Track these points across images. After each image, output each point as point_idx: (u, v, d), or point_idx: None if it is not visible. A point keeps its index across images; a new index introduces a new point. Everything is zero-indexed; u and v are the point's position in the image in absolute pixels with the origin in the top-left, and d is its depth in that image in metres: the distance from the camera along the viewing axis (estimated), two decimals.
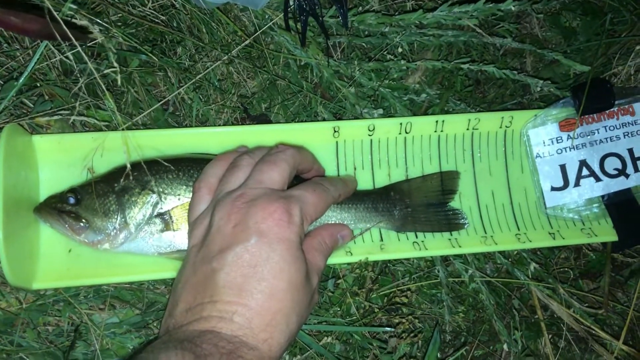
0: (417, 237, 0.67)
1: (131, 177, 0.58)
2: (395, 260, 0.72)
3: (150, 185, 0.60)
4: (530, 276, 0.73)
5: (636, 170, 0.70)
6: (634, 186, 0.70)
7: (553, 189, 0.70)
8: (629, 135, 0.71)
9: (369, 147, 0.69)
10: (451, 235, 0.67)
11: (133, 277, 0.61)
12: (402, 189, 0.66)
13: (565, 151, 0.70)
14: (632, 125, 0.71)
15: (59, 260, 0.61)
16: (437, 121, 0.68)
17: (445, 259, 0.72)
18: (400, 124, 0.68)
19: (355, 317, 0.67)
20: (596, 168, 0.70)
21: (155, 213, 0.60)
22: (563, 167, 0.70)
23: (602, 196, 0.70)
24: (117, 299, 0.64)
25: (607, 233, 0.70)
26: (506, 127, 0.71)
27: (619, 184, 0.70)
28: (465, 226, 0.67)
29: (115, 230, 0.59)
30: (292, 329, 0.47)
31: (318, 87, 0.73)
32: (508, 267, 0.72)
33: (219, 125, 0.71)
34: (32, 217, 0.59)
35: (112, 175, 0.61)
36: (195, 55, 0.70)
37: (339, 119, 0.72)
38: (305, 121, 0.72)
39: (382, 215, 0.64)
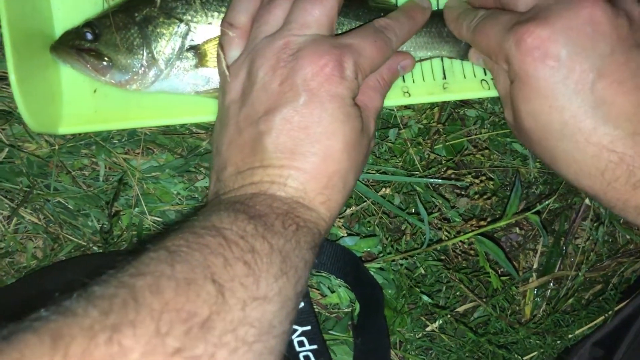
0: (485, 73, 0.58)
1: (152, 4, 0.50)
2: (464, 103, 0.63)
3: (176, 12, 0.51)
4: None
5: None
6: None
7: None
8: None
9: None
10: None
11: (169, 120, 0.56)
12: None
13: None
14: None
15: (84, 102, 0.55)
16: None
17: None
18: None
19: (416, 168, 0.60)
20: None
21: (186, 46, 0.53)
22: None
23: None
24: (154, 144, 0.59)
25: None
26: None
27: None
28: None
29: (142, 68, 0.52)
30: (350, 186, 0.44)
31: None
32: None
33: None
34: (49, 56, 0.52)
35: (131, 4, 0.53)
36: None
37: None
38: None
39: (446, 42, 0.55)
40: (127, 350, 0.27)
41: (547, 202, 0.62)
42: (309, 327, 0.57)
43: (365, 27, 0.48)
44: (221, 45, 0.49)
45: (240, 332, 0.32)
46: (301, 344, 0.57)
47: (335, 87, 0.42)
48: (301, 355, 0.57)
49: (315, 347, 0.57)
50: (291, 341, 0.57)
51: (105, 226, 0.57)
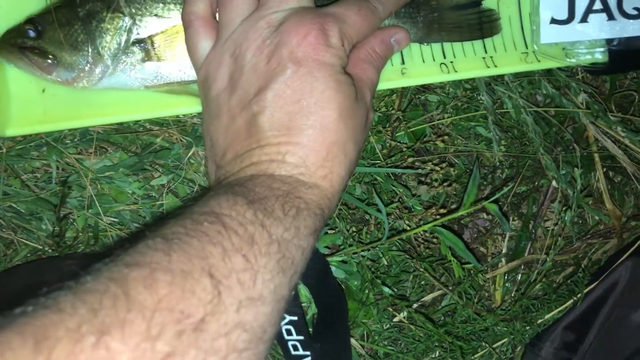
0: (444, 56, 0.56)
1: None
2: (425, 88, 0.62)
3: (119, 6, 0.50)
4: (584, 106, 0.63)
5: None
6: None
7: (554, 21, 0.56)
8: None
9: None
10: (485, 52, 0.56)
11: (121, 117, 0.54)
12: None
13: None
14: None
15: (32, 102, 0.53)
16: None
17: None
18: None
19: (377, 157, 0.59)
20: (613, 2, 0.55)
21: (132, 40, 0.51)
22: None
23: (611, 40, 0.55)
24: (108, 142, 0.58)
25: None
26: None
27: (637, 28, 0.55)
28: (500, 29, 0.56)
29: (88, 65, 0.51)
30: (352, 157, 0.43)
31: None
32: (555, 98, 0.62)
33: None
34: None
35: None
36: None
37: None
38: None
39: (403, 23, 0.54)
40: (114, 354, 0.26)
41: (504, 190, 0.60)
42: (295, 318, 0.56)
43: None
44: (189, 38, 0.47)
45: (232, 337, 0.30)
46: (289, 332, 0.56)
47: (322, 56, 0.41)
48: (289, 344, 0.56)
49: (302, 337, 0.56)
50: (280, 328, 0.56)
51: (57, 230, 0.55)
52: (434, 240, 0.61)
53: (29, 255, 0.57)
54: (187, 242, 0.32)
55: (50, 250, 0.57)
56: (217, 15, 0.48)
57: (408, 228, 0.58)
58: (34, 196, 0.55)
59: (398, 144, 0.60)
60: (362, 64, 0.46)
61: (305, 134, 0.40)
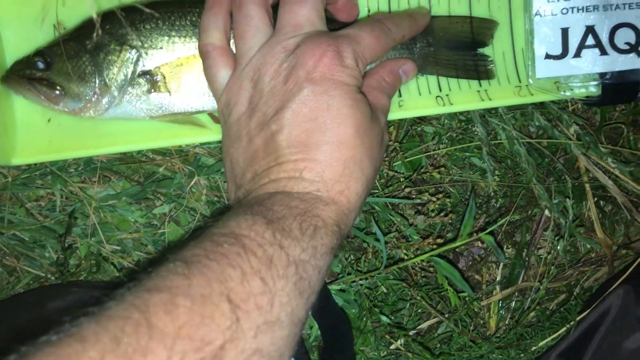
0: (440, 89, 0.58)
1: (102, 32, 0.50)
2: (421, 119, 0.64)
3: (127, 39, 0.51)
4: (575, 138, 0.65)
5: None
6: None
7: (548, 56, 0.58)
8: None
9: None
10: (480, 85, 0.58)
11: (125, 147, 0.55)
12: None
13: (572, 12, 0.57)
14: None
15: (38, 131, 0.54)
16: None
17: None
18: None
19: (375, 186, 0.61)
20: (604, 38, 0.57)
21: (138, 72, 0.52)
22: (565, 32, 0.57)
23: (604, 73, 0.58)
24: (111, 171, 0.59)
25: None
26: None
27: (628, 62, 0.57)
28: (495, 75, 0.58)
29: (95, 96, 0.52)
30: (368, 174, 0.43)
31: None
32: (548, 129, 0.64)
33: None
34: (0, 87, 0.52)
35: (82, 31, 0.52)
36: None
37: None
38: None
39: (400, 54, 0.56)
40: None
41: (499, 222, 0.62)
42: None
43: (363, 19, 0.49)
44: (208, 68, 0.48)
45: None
46: None
47: (337, 75, 0.43)
48: None
49: None
50: None
51: (62, 258, 0.56)
52: (431, 269, 0.63)
53: (31, 282, 0.57)
54: (207, 265, 0.33)
55: (53, 278, 0.57)
56: (232, 43, 0.49)
57: (405, 257, 0.59)
58: (37, 224, 0.56)
59: (396, 173, 0.62)
60: (374, 91, 0.48)
61: (322, 150, 0.41)
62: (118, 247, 0.58)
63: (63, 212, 0.57)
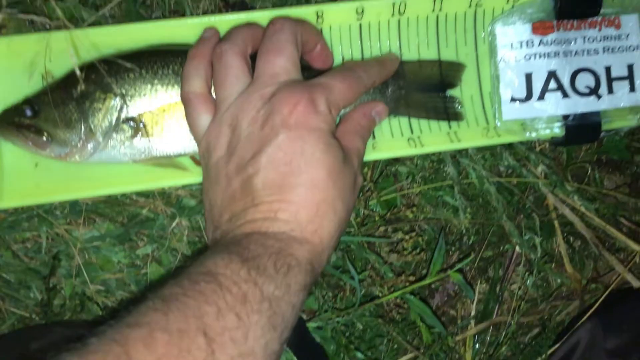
0: (412, 132, 0.61)
1: (88, 81, 0.52)
2: (395, 160, 0.66)
3: (111, 88, 0.54)
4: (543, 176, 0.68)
5: (610, 91, 0.60)
6: (604, 110, 0.60)
7: (513, 99, 0.61)
8: (609, 51, 0.60)
9: (358, 33, 0.60)
10: (450, 127, 0.61)
11: (109, 189, 0.57)
12: (397, 69, 0.59)
13: (535, 58, 0.61)
14: (615, 40, 0.60)
15: (25, 176, 0.56)
16: None
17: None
18: (393, 4, 0.59)
19: (351, 225, 0.63)
20: (566, 82, 0.61)
21: (122, 118, 0.55)
22: (529, 77, 0.61)
23: (567, 115, 0.61)
24: (96, 213, 0.61)
25: None
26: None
27: (589, 104, 0.61)
28: (464, 117, 0.61)
29: (81, 141, 0.54)
30: (341, 215, 0.45)
31: None
32: (516, 169, 0.67)
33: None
34: None
35: (69, 81, 0.54)
36: None
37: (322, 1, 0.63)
38: (285, 6, 0.63)
39: (373, 97, 0.58)
40: None
41: (466, 260, 0.65)
42: None
43: (336, 68, 0.52)
44: (189, 114, 0.51)
45: None
46: None
47: (311, 122, 0.45)
48: None
49: None
50: None
51: (46, 299, 0.57)
52: (405, 305, 0.64)
53: (16, 322, 0.59)
54: (184, 302, 0.35)
55: (37, 318, 0.58)
56: (212, 90, 0.51)
57: (380, 295, 0.61)
58: (23, 266, 0.57)
59: (371, 212, 0.64)
60: (348, 135, 0.50)
61: (296, 192, 0.43)
62: (102, 287, 0.60)
63: (49, 253, 0.59)
